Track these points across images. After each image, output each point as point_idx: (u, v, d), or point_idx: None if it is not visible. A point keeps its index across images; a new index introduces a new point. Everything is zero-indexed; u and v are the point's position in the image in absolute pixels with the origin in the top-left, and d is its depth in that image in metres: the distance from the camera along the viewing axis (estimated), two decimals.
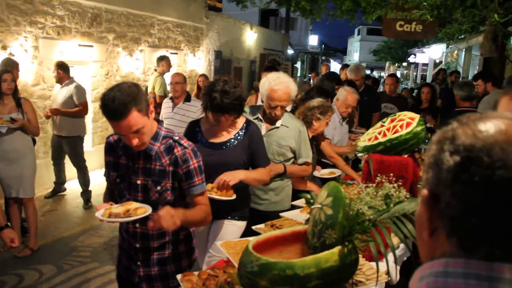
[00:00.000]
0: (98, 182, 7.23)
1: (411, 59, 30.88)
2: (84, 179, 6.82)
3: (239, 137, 3.13)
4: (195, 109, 5.53)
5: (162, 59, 8.61)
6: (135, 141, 2.22)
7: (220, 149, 3.09)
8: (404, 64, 36.50)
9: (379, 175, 2.76)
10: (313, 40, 48.85)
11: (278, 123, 3.50)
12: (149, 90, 8.83)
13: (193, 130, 3.20)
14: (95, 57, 8.55)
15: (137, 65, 9.83)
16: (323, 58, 39.38)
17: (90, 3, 8.29)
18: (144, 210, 2.27)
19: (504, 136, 0.70)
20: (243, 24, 16.78)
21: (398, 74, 41.82)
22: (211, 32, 13.61)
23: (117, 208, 2.27)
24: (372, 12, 12.79)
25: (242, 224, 3.21)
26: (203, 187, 2.44)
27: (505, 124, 0.72)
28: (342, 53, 69.75)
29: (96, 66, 8.70)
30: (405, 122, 2.76)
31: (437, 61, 24.48)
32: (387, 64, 41.99)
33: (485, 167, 0.68)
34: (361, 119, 6.33)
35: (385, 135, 2.79)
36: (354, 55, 61.59)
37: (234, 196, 2.90)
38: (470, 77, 13.36)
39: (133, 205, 2.29)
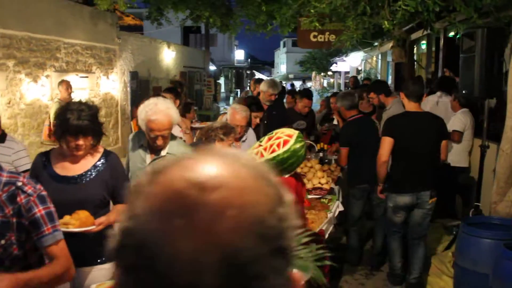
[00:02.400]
0: None
1: (334, 68, 31.89)
2: None
3: (98, 169, 2.86)
4: (10, 152, 3.67)
5: (60, 84, 8.30)
6: None
7: (75, 183, 2.79)
8: (330, 73, 37.58)
9: None
10: (239, 54, 49.28)
11: (163, 152, 3.28)
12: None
13: (41, 164, 2.85)
14: None
15: (43, 91, 9.38)
16: (248, 72, 39.64)
17: None
18: None
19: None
20: (160, 43, 16.56)
21: (325, 83, 43.06)
22: (125, 52, 13.30)
23: None
24: (286, 25, 13.00)
25: None
26: (54, 237, 2.07)
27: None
28: (270, 66, 70.90)
29: None
30: (282, 140, 2.71)
31: (359, 68, 25.42)
32: (313, 74, 43.08)
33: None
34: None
35: (262, 155, 2.73)
36: (281, 67, 62.74)
37: (94, 226, 2.65)
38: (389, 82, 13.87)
39: None
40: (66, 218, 2.57)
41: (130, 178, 3.35)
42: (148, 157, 3.30)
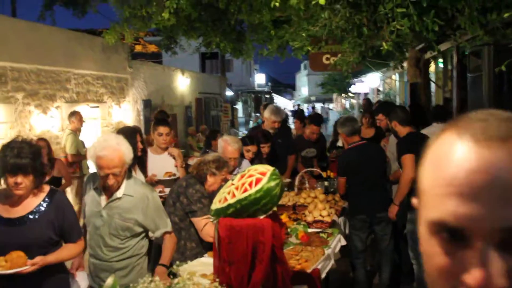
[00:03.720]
0: None
1: (353, 89, 31.57)
2: None
3: (41, 209, 2.78)
4: None
5: (72, 115, 8.28)
6: None
7: (18, 225, 2.72)
8: (351, 94, 37.29)
9: (231, 242, 2.50)
10: (260, 78, 49.47)
11: (119, 193, 3.05)
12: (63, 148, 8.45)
13: None
14: (1, 118, 8.09)
15: (53, 122, 9.38)
16: (267, 96, 39.59)
17: None
18: None
19: None
20: (173, 70, 16.60)
21: (347, 104, 42.74)
22: (137, 81, 13.33)
23: None
24: (300, 49, 12.88)
25: None
26: None
27: None
28: (292, 89, 71.02)
29: (5, 127, 8.22)
30: (255, 179, 2.49)
31: (379, 89, 25.07)
32: (334, 95, 42.86)
33: None
34: (276, 164, 6.04)
35: (234, 195, 2.51)
36: (303, 90, 62.67)
37: (28, 267, 2.58)
38: (407, 103, 13.56)
39: None
40: None
41: (85, 223, 3.20)
42: (103, 199, 3.10)
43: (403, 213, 4.72)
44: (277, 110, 6.35)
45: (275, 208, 4.66)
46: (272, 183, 2.46)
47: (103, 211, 3.04)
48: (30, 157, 2.62)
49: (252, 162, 5.15)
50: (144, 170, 4.77)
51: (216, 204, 2.59)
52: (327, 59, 13.01)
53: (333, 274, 4.72)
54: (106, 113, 11.61)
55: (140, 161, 4.74)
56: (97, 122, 11.30)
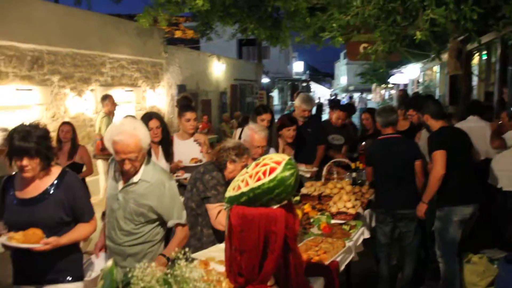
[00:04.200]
0: None
1: (392, 80, 30.90)
2: None
3: (51, 190, 2.82)
4: None
5: (105, 98, 8.37)
6: None
7: (29, 206, 2.79)
8: (390, 85, 36.55)
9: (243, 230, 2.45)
10: (298, 66, 49.05)
11: (135, 178, 2.99)
12: (96, 131, 8.56)
13: (6, 188, 2.91)
14: (38, 100, 8.26)
15: (87, 105, 9.54)
16: (304, 85, 39.23)
17: (29, 46, 8.04)
18: None
19: None
20: (209, 56, 16.61)
21: (387, 95, 41.95)
22: (172, 66, 13.40)
23: None
24: (337, 36, 12.62)
25: (77, 286, 2.92)
26: None
27: None
28: (331, 78, 70.28)
29: (41, 109, 8.40)
30: (269, 168, 2.41)
31: (420, 80, 24.44)
32: (373, 86, 42.14)
33: None
34: (304, 153, 5.96)
35: (247, 184, 2.45)
36: (342, 79, 61.87)
37: (41, 245, 2.66)
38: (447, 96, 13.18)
39: None
40: (12, 233, 2.66)
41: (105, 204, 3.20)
42: (121, 183, 3.06)
43: (431, 210, 4.56)
44: (308, 99, 6.23)
45: (297, 197, 4.62)
46: (287, 173, 2.37)
47: (120, 194, 3.02)
48: (34, 140, 2.64)
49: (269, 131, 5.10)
50: (168, 156, 4.74)
51: (230, 192, 2.52)
52: (365, 48, 12.75)
53: (356, 266, 4.61)
54: (140, 97, 11.73)
55: (164, 147, 4.72)
56: (131, 106, 11.43)
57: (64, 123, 6.39)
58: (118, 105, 8.81)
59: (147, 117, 4.53)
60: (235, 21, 13.67)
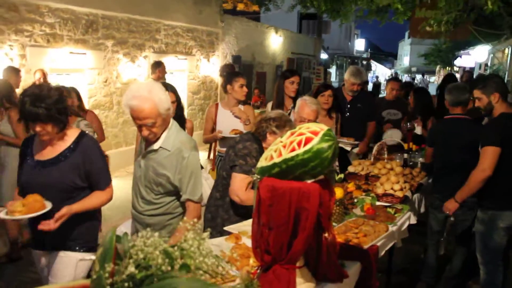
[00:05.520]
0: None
1: (458, 62, 29.46)
2: None
3: (67, 154, 2.71)
4: None
5: (158, 65, 8.29)
6: None
7: (44, 167, 2.71)
8: (456, 68, 34.99)
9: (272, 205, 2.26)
10: (359, 44, 47.85)
11: (156, 145, 2.80)
12: None
13: (25, 148, 2.84)
14: (91, 64, 8.33)
15: (139, 71, 9.55)
16: (364, 63, 38.14)
17: (84, 9, 8.08)
18: None
19: None
20: (266, 28, 16.29)
21: None
22: (228, 36, 13.22)
23: None
24: (402, 12, 12.05)
25: (88, 256, 2.82)
26: None
27: None
28: (394, 58, 68.31)
29: (93, 74, 8.47)
30: (304, 138, 2.18)
31: (488, 64, 23.10)
32: (437, 67, 40.54)
33: None
34: (351, 129, 5.66)
35: (280, 154, 2.23)
36: (404, 59, 59.95)
37: (48, 207, 2.58)
38: None
39: None
40: (11, 203, 2.59)
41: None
42: (143, 149, 2.92)
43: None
44: (357, 72, 5.86)
45: (341, 175, 4.36)
46: (324, 145, 2.13)
47: (142, 161, 2.89)
48: (44, 106, 2.54)
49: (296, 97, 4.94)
50: None
51: (262, 162, 2.31)
52: (430, 25, 12.06)
53: (399, 253, 4.33)
54: (194, 66, 11.65)
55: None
56: (184, 75, 11.39)
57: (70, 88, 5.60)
58: (167, 73, 8.72)
59: None
60: None
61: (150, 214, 2.92)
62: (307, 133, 2.21)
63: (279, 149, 2.26)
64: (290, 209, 2.20)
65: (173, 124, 2.87)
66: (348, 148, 5.49)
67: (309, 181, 2.24)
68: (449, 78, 8.54)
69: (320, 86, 5.32)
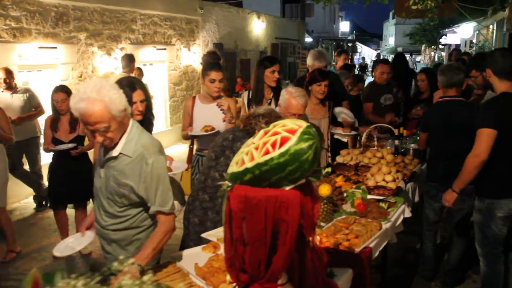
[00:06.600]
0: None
1: (443, 40, 29.28)
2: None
3: None
4: None
5: (132, 59, 7.96)
6: None
7: None
8: (441, 46, 34.83)
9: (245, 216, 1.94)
10: (344, 26, 47.54)
11: (115, 151, 2.44)
12: None
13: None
14: (63, 59, 7.92)
15: (116, 64, 9.14)
16: (349, 45, 37.79)
17: (52, 1, 7.64)
18: None
19: None
20: (248, 13, 15.87)
21: (436, 57, 40.14)
22: (209, 23, 12.81)
23: None
24: None
25: None
26: None
27: None
28: (379, 38, 68.32)
29: (66, 69, 8.06)
30: (279, 138, 1.85)
31: (473, 41, 22.87)
32: (423, 47, 40.41)
33: None
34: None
35: (253, 157, 1.90)
36: (390, 40, 59.91)
37: None
38: None
39: None
40: None
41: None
42: (102, 157, 2.57)
43: None
44: (320, 55, 5.47)
45: (328, 169, 4.04)
46: (303, 145, 1.78)
47: (101, 170, 2.55)
48: None
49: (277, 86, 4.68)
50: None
51: (232, 167, 1.97)
52: (414, 3, 11.72)
53: (393, 243, 4.03)
54: (174, 56, 11.26)
55: (144, 127, 3.04)
56: (164, 65, 11.00)
57: (58, 89, 4.99)
58: (146, 64, 8.36)
59: (130, 87, 3.30)
60: None
61: (114, 229, 2.57)
62: (282, 132, 1.87)
63: (251, 151, 1.92)
64: (266, 222, 1.87)
65: (133, 126, 2.49)
66: (345, 140, 5.16)
67: (287, 188, 1.91)
68: (398, 59, 8.31)
69: (317, 74, 4.77)
